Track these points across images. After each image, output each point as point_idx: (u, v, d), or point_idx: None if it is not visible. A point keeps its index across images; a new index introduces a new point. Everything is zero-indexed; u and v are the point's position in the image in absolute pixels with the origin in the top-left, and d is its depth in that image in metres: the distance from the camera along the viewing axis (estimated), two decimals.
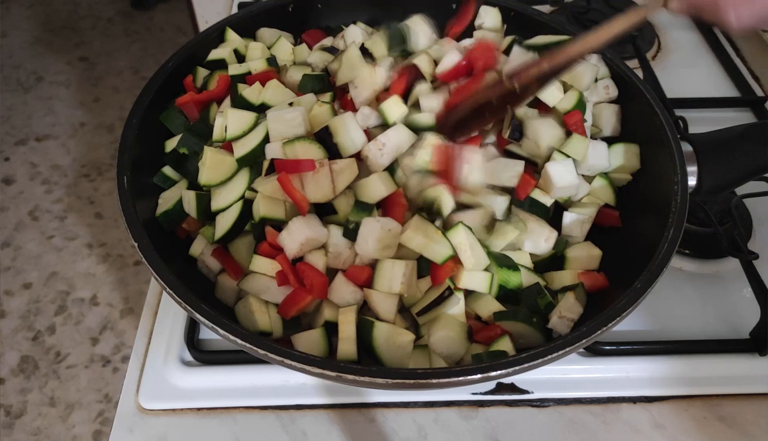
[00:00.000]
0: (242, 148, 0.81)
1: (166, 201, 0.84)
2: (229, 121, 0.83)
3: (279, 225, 0.78)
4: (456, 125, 0.81)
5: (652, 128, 0.85)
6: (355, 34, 1.00)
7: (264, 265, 0.77)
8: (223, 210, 0.81)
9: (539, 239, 0.81)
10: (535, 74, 0.74)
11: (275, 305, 0.76)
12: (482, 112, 0.79)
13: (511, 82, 0.75)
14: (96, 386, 2.14)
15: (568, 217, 0.83)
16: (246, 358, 0.81)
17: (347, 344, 0.71)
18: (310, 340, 0.73)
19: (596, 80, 0.94)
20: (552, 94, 0.87)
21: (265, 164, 0.80)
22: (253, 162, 0.81)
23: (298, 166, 0.76)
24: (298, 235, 0.75)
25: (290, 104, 0.86)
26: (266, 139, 0.81)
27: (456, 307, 0.75)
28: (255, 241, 0.80)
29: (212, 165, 0.81)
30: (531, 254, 0.82)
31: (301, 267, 0.76)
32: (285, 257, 0.76)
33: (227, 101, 0.92)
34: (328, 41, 1.04)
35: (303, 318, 0.79)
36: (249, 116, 0.84)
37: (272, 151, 0.80)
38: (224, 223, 0.80)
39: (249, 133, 0.83)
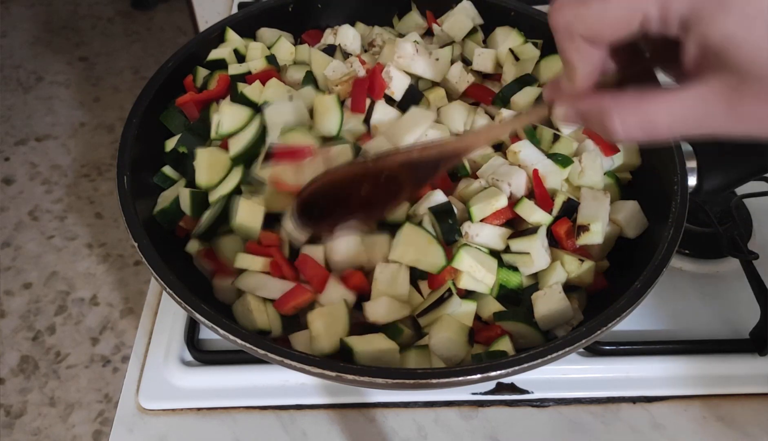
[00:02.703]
0: (237, 145, 0.81)
1: (164, 200, 0.84)
2: (223, 116, 0.83)
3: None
4: (313, 210, 0.71)
5: None
6: (347, 34, 1.00)
7: (250, 262, 0.77)
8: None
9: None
10: (401, 160, 0.66)
11: (273, 302, 0.76)
12: (344, 198, 0.70)
13: (375, 163, 0.67)
14: (96, 386, 2.14)
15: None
16: (246, 358, 0.81)
17: (321, 341, 0.71)
18: (306, 338, 0.73)
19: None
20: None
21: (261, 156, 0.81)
22: (249, 159, 0.82)
23: (295, 154, 0.76)
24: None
25: (290, 98, 0.86)
26: (261, 135, 0.81)
27: (460, 308, 0.75)
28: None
29: (209, 165, 0.81)
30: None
31: (301, 259, 0.76)
32: (278, 250, 0.76)
33: (227, 101, 0.92)
34: (323, 44, 1.04)
35: (301, 316, 0.78)
36: (244, 111, 0.84)
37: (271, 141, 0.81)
38: (206, 219, 0.80)
39: (244, 128, 0.83)
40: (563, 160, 0.82)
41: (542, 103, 0.56)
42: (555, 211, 0.79)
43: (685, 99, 0.43)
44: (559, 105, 0.52)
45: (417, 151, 0.67)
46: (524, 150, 0.82)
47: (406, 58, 0.91)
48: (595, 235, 0.77)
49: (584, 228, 0.77)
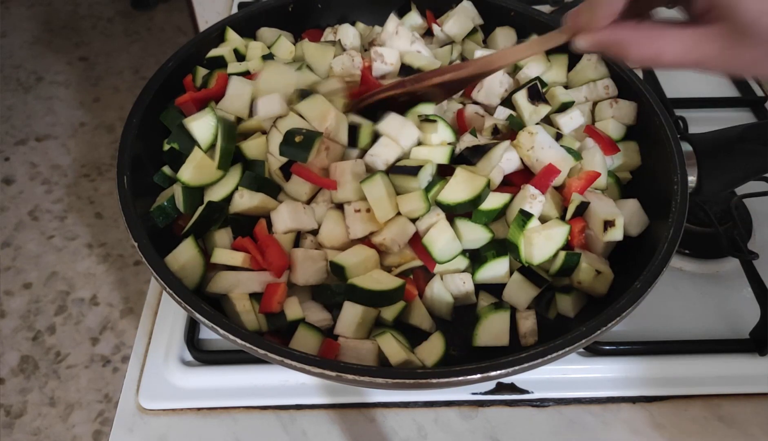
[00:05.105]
0: (217, 154, 0.81)
1: (161, 198, 0.84)
2: (195, 134, 0.83)
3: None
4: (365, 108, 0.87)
5: (652, 128, 0.85)
6: (348, 33, 1.02)
7: (228, 256, 0.76)
8: (220, 202, 0.81)
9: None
10: (436, 82, 0.81)
11: (258, 302, 0.76)
12: (388, 105, 0.85)
13: (412, 84, 0.82)
14: (96, 386, 2.14)
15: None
16: (246, 358, 0.81)
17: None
18: (300, 336, 0.74)
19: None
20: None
21: (273, 165, 0.82)
22: (232, 163, 0.83)
23: (322, 183, 0.80)
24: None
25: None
26: (230, 133, 0.82)
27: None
28: (233, 234, 0.80)
29: (197, 166, 0.81)
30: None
31: (269, 240, 0.76)
32: (250, 241, 0.77)
33: (189, 118, 0.91)
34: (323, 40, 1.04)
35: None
36: (210, 120, 0.84)
37: (266, 106, 0.84)
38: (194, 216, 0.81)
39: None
40: (573, 154, 0.82)
41: (563, 30, 0.64)
42: (568, 215, 0.79)
43: (690, 37, 0.53)
44: (581, 36, 0.60)
45: (449, 73, 0.81)
46: (540, 133, 0.82)
47: (386, 34, 0.95)
48: (620, 230, 0.77)
49: (610, 223, 0.77)
